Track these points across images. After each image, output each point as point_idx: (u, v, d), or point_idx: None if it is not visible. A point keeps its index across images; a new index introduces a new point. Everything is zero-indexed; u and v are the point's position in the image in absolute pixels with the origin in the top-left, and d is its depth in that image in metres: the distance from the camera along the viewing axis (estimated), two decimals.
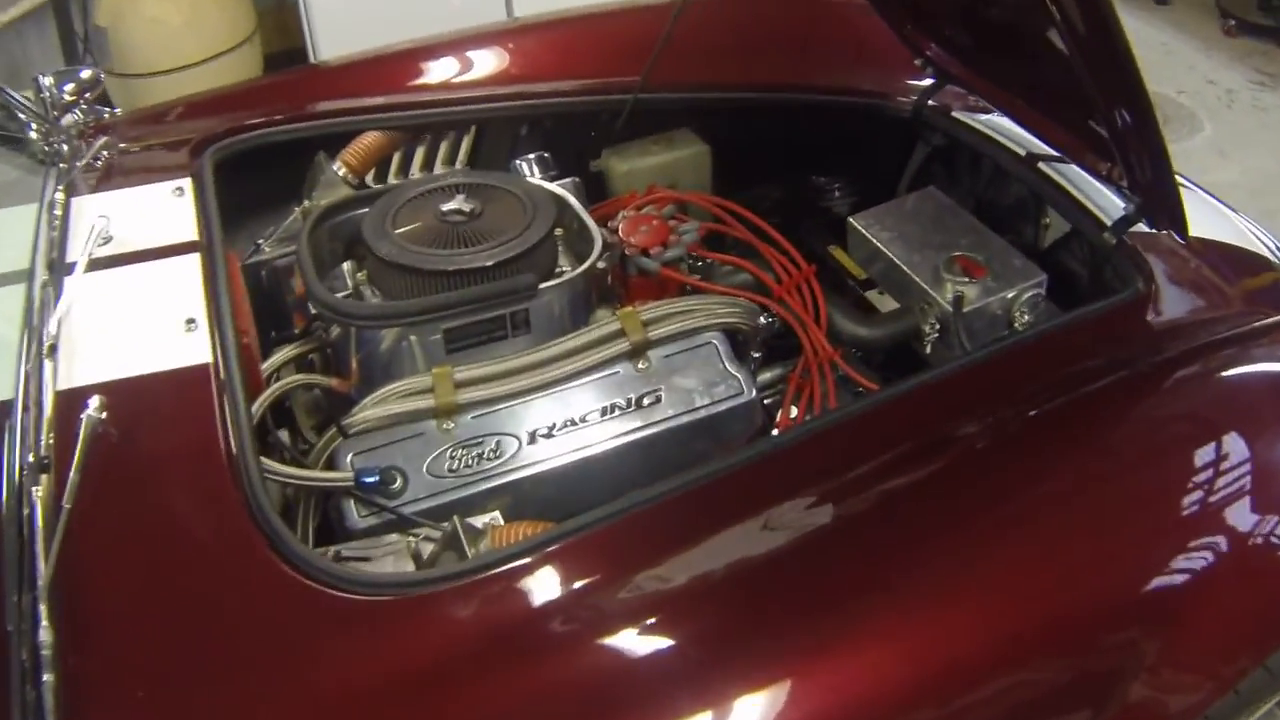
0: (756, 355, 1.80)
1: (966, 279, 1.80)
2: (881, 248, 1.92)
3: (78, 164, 1.83)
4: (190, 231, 1.65)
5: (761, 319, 1.79)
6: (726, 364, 1.64)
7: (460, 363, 1.60)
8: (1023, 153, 1.95)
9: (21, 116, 1.91)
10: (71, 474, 1.23)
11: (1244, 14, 5.03)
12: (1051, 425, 1.45)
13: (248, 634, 1.18)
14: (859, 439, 1.43)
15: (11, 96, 1.90)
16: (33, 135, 1.92)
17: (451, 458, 1.51)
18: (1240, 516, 1.39)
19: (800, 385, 1.77)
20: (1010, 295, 1.79)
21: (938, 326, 1.81)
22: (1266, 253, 1.95)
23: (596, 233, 1.75)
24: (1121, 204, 1.76)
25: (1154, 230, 1.75)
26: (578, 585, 1.23)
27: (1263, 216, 2.19)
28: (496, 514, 1.44)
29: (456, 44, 2.24)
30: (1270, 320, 1.65)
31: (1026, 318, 1.80)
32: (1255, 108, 4.54)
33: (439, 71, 2.18)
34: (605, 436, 1.56)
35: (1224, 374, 1.59)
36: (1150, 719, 1.28)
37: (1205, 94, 4.62)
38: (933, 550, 1.29)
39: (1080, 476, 1.40)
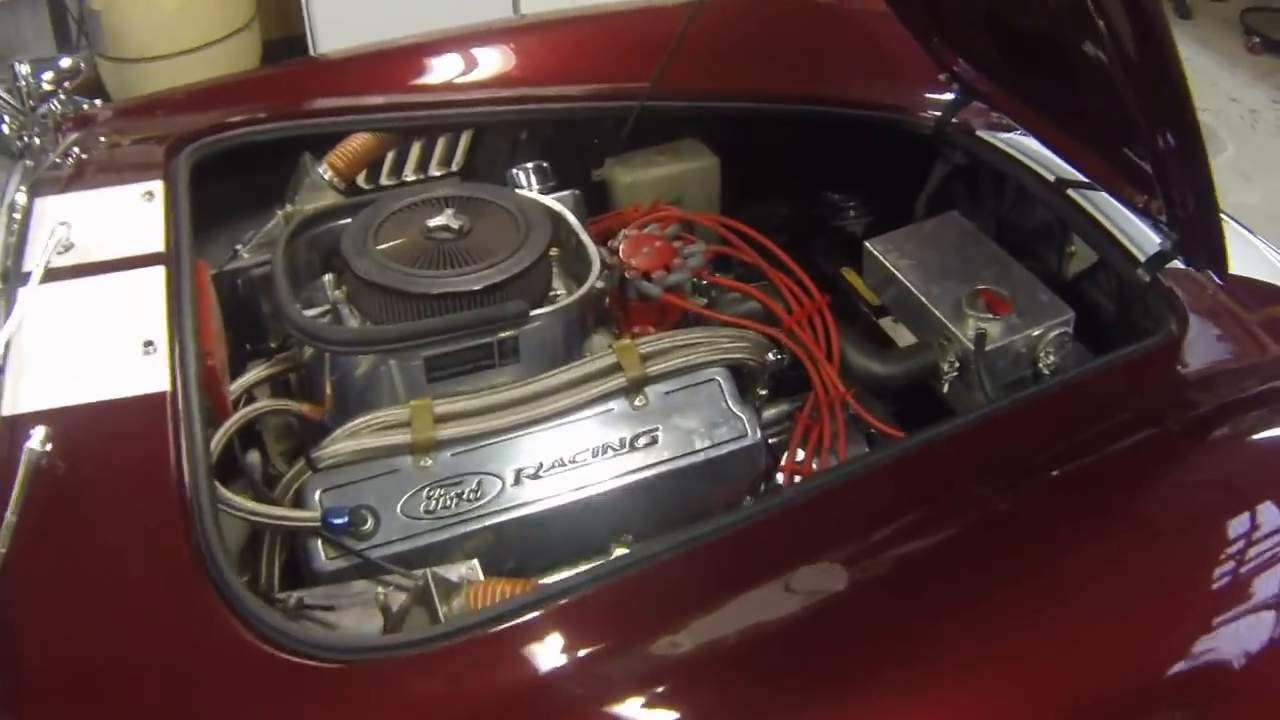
0: (762, 392, 1.70)
1: (990, 315, 1.71)
2: (900, 276, 1.82)
3: (45, 161, 1.72)
4: (157, 241, 1.54)
5: (770, 355, 1.68)
6: (730, 403, 1.54)
7: (443, 391, 1.51)
8: (1051, 177, 1.84)
9: None
10: (8, 515, 1.13)
11: (1268, 31, 4.92)
12: (1079, 489, 1.38)
13: (191, 699, 1.09)
14: (873, 497, 1.34)
15: None
16: (4, 129, 1.81)
17: (428, 497, 1.41)
18: (1276, 590, 1.31)
19: (808, 426, 1.67)
20: (1036, 334, 1.70)
21: (957, 365, 1.72)
22: None
23: (595, 253, 1.65)
24: (1156, 236, 1.66)
25: (1190, 268, 1.64)
26: (563, 658, 1.14)
27: None
28: (475, 564, 1.34)
29: (456, 42, 2.15)
30: None
31: (1052, 358, 1.70)
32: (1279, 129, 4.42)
33: (436, 71, 2.10)
34: (597, 479, 1.46)
35: (1257, 436, 1.52)
36: None
37: (1228, 112, 4.51)
38: (956, 625, 1.21)
39: (1109, 547, 1.32)
